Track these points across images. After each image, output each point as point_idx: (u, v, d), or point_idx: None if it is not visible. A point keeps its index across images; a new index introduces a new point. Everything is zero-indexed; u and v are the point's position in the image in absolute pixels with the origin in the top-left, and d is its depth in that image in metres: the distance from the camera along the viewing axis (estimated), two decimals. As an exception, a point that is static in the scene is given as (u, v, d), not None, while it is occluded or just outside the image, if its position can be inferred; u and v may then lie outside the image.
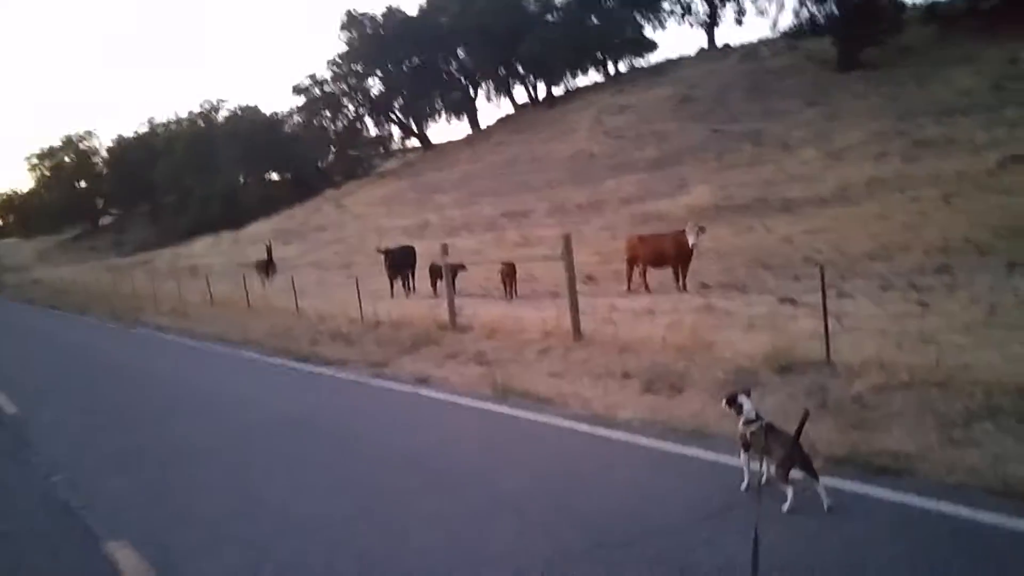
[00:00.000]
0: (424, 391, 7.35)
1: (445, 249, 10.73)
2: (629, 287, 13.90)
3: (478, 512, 4.11)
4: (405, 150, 61.67)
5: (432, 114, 58.65)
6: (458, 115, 58.55)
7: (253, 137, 56.33)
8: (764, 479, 3.78)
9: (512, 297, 15.09)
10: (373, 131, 60.74)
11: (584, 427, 5.37)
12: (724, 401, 4.06)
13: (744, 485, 3.86)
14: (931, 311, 7.49)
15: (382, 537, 3.92)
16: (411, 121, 59.72)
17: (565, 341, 8.19)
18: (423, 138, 59.94)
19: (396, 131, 61.45)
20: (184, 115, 68.51)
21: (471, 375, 7.90)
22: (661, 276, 14.40)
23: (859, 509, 3.52)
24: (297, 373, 9.51)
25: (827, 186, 20.41)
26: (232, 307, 17.77)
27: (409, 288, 18.14)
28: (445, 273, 10.64)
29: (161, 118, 72.87)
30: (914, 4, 33.31)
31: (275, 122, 61.45)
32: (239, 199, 55.56)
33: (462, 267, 15.56)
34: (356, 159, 59.95)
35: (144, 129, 71.22)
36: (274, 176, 63.61)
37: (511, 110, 55.21)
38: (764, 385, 5.58)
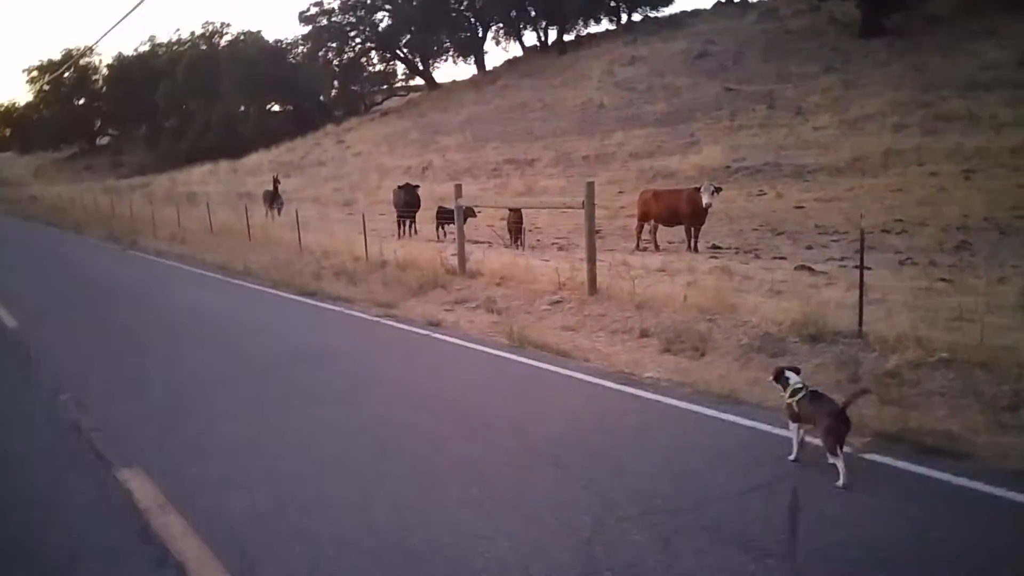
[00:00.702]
0: (438, 335, 7.18)
1: (459, 190, 10.43)
2: (639, 244, 13.66)
3: (515, 461, 3.95)
4: (409, 88, 60.29)
5: (439, 53, 57.21)
6: (465, 56, 57.08)
7: (255, 65, 54.78)
8: (799, 444, 3.74)
9: (518, 246, 14.86)
10: (378, 67, 59.34)
11: (610, 383, 5.21)
12: (772, 376, 3.99)
13: (793, 456, 3.75)
14: (957, 288, 7.32)
15: (414, 481, 3.75)
16: (417, 59, 58.26)
17: (579, 294, 8.01)
18: (428, 77, 58.57)
19: (401, 68, 60.15)
20: (186, 36, 66.67)
21: (482, 322, 7.76)
22: (669, 235, 14.17)
23: (918, 491, 3.35)
24: (304, 307, 9.36)
25: (842, 155, 20.05)
26: (232, 236, 17.50)
27: (412, 230, 17.88)
28: (457, 216, 10.36)
29: (163, 37, 70.91)
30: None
31: (279, 51, 59.73)
32: (238, 128, 54.45)
33: (471, 213, 15.25)
34: (359, 95, 58.68)
35: (146, 48, 69.30)
36: (275, 107, 62.24)
37: (519, 54, 53.87)
38: (793, 354, 5.43)
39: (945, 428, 3.86)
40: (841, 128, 22.25)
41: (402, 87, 60.78)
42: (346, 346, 7.14)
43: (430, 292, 9.64)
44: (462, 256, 10.23)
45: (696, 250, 12.90)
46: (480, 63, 55.85)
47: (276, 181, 23.63)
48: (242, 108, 58.24)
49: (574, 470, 3.77)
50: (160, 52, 66.69)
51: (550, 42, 51.39)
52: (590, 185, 7.95)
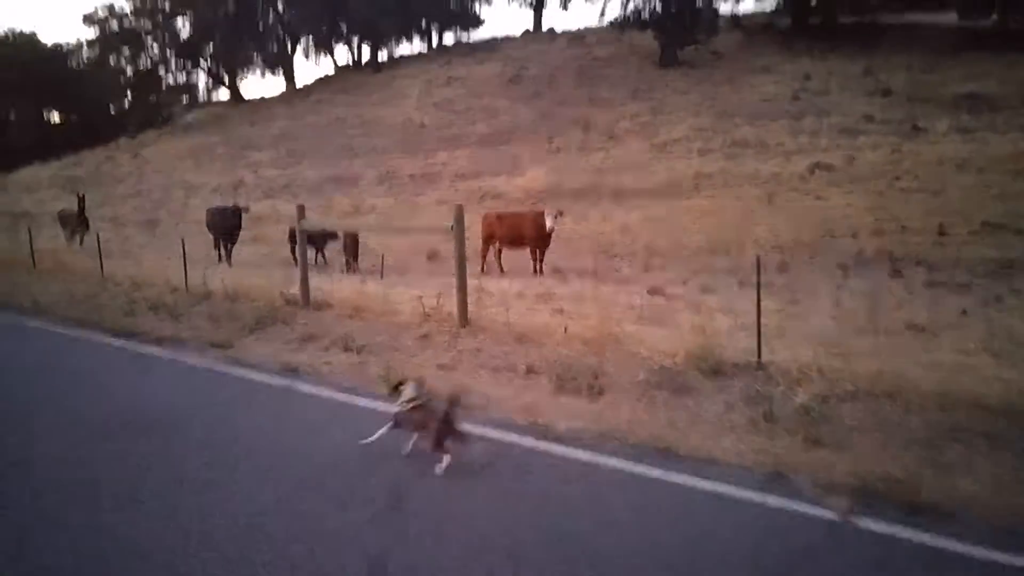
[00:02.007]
0: (299, 384, 6.13)
1: (302, 211, 9.40)
2: (483, 268, 13.37)
3: (476, 565, 3.08)
4: (213, 102, 56.00)
5: (245, 65, 53.87)
6: (273, 70, 54.28)
7: (28, 69, 48.05)
8: (410, 450, 4.27)
9: (355, 271, 13.99)
10: (179, 78, 54.67)
11: (527, 440, 4.51)
12: (390, 389, 4.68)
13: (371, 439, 4.33)
14: (809, 311, 7.73)
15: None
16: (221, 71, 54.39)
17: (449, 326, 7.45)
18: (234, 90, 54.87)
19: (204, 80, 55.84)
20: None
21: (342, 364, 6.87)
22: (510, 258, 14.02)
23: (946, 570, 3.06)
24: (119, 352, 7.67)
25: (657, 178, 21.31)
26: (8, 265, 14.54)
27: (227, 256, 16.26)
28: (301, 240, 9.38)
29: None
30: (720, 13, 35.85)
31: (58, 55, 52.98)
32: (8, 138, 47.43)
33: (333, 236, 14.18)
34: (156, 106, 53.55)
35: None
36: (55, 117, 55.10)
37: (331, 71, 52.16)
38: (697, 390, 5.24)
39: (889, 472, 3.73)
40: (653, 152, 23.71)
41: (205, 101, 56.32)
42: (184, 405, 5.69)
43: (269, 328, 8.48)
44: (305, 285, 9.23)
45: (542, 272, 12.87)
46: (290, 77, 53.40)
47: (81, 198, 19.76)
48: (11, 116, 50.79)
49: (551, 567, 3.03)
50: None
51: (364, 60, 50.34)
52: (459, 208, 7.41)
